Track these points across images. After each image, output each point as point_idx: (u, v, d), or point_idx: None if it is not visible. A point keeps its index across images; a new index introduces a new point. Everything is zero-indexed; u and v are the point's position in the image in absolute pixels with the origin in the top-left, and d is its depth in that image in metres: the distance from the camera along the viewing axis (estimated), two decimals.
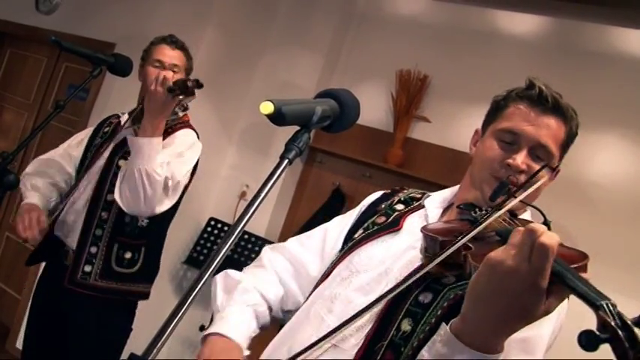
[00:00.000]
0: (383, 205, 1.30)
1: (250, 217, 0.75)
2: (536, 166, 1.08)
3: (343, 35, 3.75)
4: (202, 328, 3.34)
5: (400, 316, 1.02)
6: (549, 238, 0.78)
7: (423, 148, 3.39)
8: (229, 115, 3.76)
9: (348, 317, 1.04)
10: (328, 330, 1.06)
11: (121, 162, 2.11)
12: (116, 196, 1.98)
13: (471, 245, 0.94)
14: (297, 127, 0.86)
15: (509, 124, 1.14)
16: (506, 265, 0.80)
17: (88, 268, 2.09)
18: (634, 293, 2.68)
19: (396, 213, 1.25)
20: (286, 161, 0.82)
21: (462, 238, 0.92)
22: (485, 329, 0.84)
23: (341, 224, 1.33)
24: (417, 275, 0.98)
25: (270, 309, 1.27)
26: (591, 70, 3.01)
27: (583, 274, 0.82)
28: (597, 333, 0.68)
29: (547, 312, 0.81)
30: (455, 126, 3.27)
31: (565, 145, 1.16)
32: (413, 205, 1.26)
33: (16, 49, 4.60)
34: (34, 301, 2.27)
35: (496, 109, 1.22)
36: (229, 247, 0.72)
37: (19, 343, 3.82)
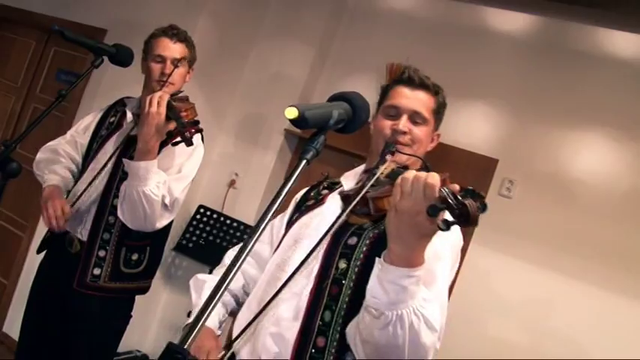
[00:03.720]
0: (312, 194, 1.62)
1: (275, 212, 0.80)
2: (416, 129, 1.46)
3: (335, 27, 3.78)
4: (190, 314, 3.38)
5: (337, 258, 1.35)
6: (432, 179, 1.04)
7: None
8: (220, 104, 3.77)
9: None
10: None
11: None
12: (119, 214, 2.02)
13: (369, 190, 1.27)
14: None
15: (391, 101, 1.50)
16: (412, 209, 1.06)
17: (97, 271, 2.12)
18: (614, 285, 2.78)
19: (321, 195, 1.59)
20: (304, 162, 0.87)
21: (363, 188, 1.27)
22: (406, 252, 1.10)
23: (283, 217, 1.64)
24: (339, 222, 1.33)
25: (235, 296, 1.61)
26: (578, 70, 3.08)
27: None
28: (437, 204, 0.99)
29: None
30: (444, 120, 3.32)
31: (437, 112, 1.52)
32: (335, 187, 1.59)
33: (4, 32, 4.54)
34: (35, 289, 2.29)
35: (382, 95, 1.57)
36: (255, 241, 0.77)
37: (6, 328, 3.84)
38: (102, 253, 2.12)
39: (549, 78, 3.14)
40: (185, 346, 0.66)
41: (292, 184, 0.85)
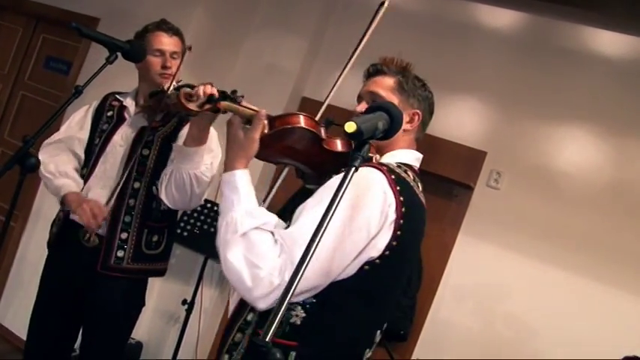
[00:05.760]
0: None
1: (330, 218, 0.88)
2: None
3: (327, 20, 3.83)
4: (184, 302, 3.44)
5: None
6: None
7: None
8: None
9: None
10: None
11: (145, 151, 2.19)
12: (162, 196, 2.08)
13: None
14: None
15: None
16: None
17: (120, 254, 2.19)
18: (596, 274, 2.93)
19: None
20: (353, 169, 0.95)
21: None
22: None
23: None
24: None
25: None
26: (563, 67, 3.21)
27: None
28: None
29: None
30: (434, 114, 3.42)
31: (399, 89, 1.57)
32: None
33: None
34: (47, 281, 2.33)
35: None
36: (321, 235, 0.86)
37: None
38: (124, 236, 2.19)
39: (536, 74, 3.26)
40: (267, 339, 0.73)
41: (344, 190, 0.92)
